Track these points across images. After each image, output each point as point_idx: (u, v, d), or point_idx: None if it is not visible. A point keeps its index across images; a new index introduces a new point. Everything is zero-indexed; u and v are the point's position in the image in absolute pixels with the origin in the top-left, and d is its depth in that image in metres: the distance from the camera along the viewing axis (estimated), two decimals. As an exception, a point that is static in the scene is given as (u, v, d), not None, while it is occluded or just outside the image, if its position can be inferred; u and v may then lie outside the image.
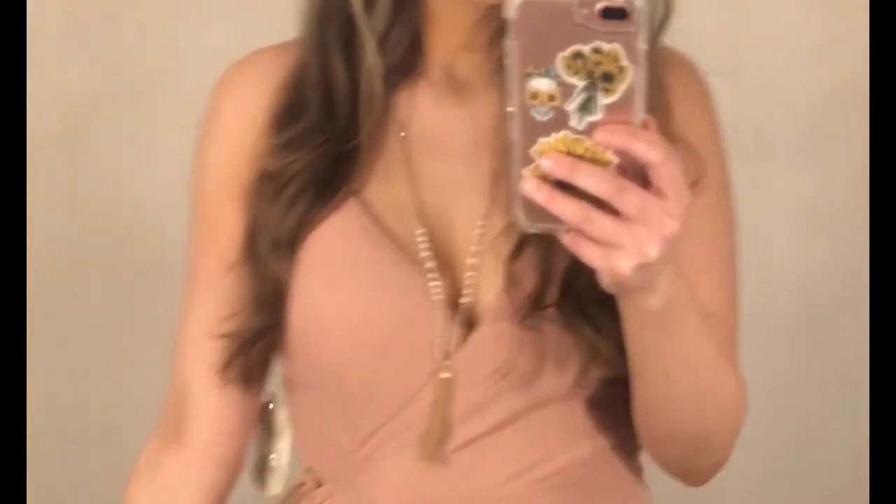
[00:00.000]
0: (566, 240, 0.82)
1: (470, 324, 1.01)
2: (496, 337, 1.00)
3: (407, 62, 1.05)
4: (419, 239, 1.02)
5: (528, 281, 0.99)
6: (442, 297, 1.01)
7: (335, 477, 1.07)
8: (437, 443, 1.01)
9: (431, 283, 1.01)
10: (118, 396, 2.23)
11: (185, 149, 2.23)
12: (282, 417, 1.13)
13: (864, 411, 2.18)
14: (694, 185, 0.97)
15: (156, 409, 1.14)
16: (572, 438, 1.03)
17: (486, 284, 1.01)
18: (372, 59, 1.01)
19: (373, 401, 1.02)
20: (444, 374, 1.00)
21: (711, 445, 1.03)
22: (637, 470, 1.09)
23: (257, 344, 1.06)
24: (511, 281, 1.00)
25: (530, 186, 0.80)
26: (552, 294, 0.99)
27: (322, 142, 1.03)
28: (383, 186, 1.04)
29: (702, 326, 0.94)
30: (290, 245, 1.02)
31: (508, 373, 0.99)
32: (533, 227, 0.83)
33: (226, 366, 1.06)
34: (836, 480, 2.24)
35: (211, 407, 1.09)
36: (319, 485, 1.08)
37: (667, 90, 1.01)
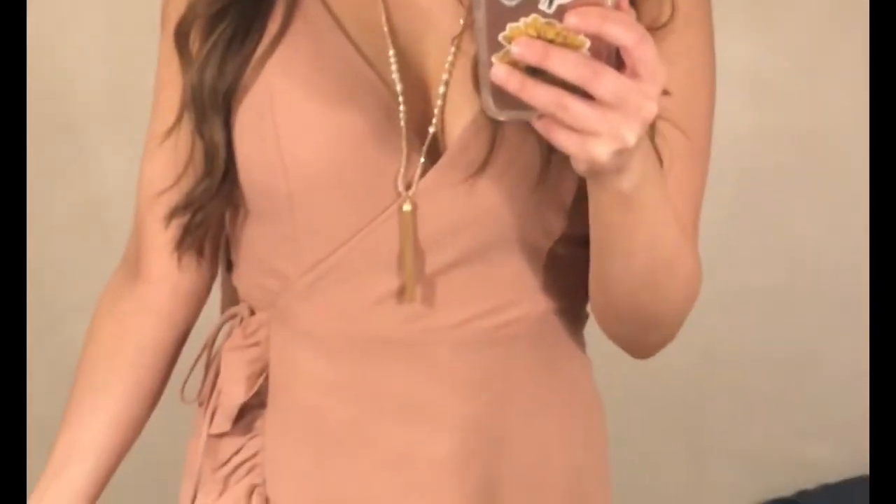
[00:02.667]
0: (539, 126, 0.77)
1: (435, 155, 0.97)
2: (459, 169, 0.95)
3: None
4: (390, 60, 0.98)
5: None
6: (407, 121, 0.96)
7: (273, 305, 1.04)
8: (412, 275, 0.97)
9: (400, 108, 0.96)
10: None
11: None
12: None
13: (802, 286, 2.28)
14: (661, 27, 0.95)
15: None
16: (528, 291, 1.01)
17: (455, 115, 0.97)
18: None
19: (325, 228, 0.99)
20: (406, 207, 0.96)
21: (663, 322, 1.01)
22: (582, 340, 1.09)
23: (209, 207, 1.05)
24: (480, 113, 0.94)
25: (501, 74, 0.75)
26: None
27: None
28: (354, 5, 1.00)
29: (666, 201, 0.91)
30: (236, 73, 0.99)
31: (468, 206, 0.96)
32: (504, 115, 0.78)
33: (179, 243, 1.08)
34: (775, 352, 2.32)
35: (164, 247, 1.09)
36: (253, 313, 1.07)
37: None
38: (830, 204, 2.25)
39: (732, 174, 2.19)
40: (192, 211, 1.05)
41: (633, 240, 0.90)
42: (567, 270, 1.01)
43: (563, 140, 0.77)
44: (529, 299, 1.02)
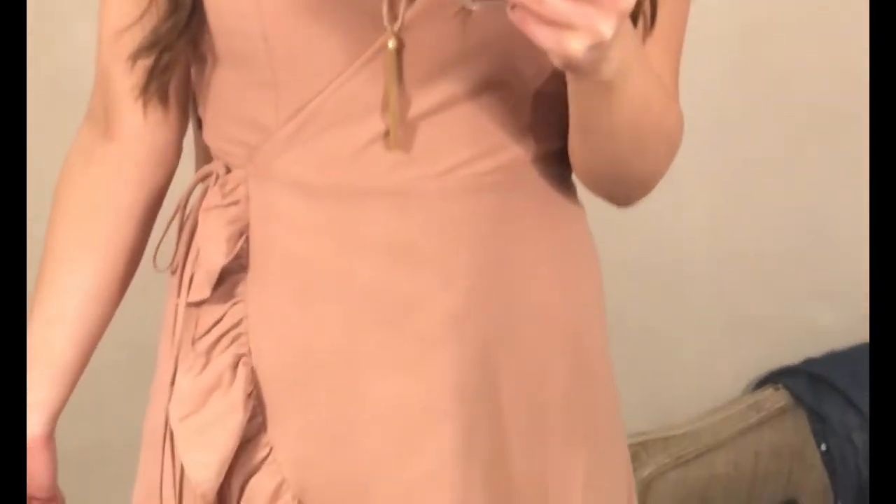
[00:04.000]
0: (514, 17, 0.75)
1: None
2: (447, 2, 0.89)
3: None
4: None
5: None
6: None
7: (251, 159, 0.98)
8: (396, 118, 0.92)
9: None
10: None
11: None
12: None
13: (809, 145, 2.23)
14: None
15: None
16: (518, 134, 0.97)
17: None
18: None
19: (305, 71, 0.93)
20: (391, 44, 0.90)
21: (648, 179, 0.99)
22: (574, 186, 1.05)
23: (175, 48, 0.99)
24: None
25: None
26: None
27: None
28: None
29: (646, 71, 0.90)
30: None
31: (457, 43, 0.91)
32: (477, 5, 0.76)
33: (143, 88, 1.02)
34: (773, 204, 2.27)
35: (129, 94, 1.03)
36: (230, 171, 1.00)
37: None
38: (835, 52, 2.17)
39: (734, 29, 2.13)
40: (158, 51, 0.99)
41: (617, 119, 0.89)
42: (557, 111, 0.96)
43: (538, 34, 0.75)
44: (519, 142, 0.97)
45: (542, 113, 0.98)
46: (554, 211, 1.02)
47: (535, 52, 0.90)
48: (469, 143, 0.95)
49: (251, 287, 0.99)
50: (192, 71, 1.03)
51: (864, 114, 2.09)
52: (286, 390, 0.99)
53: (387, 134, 0.93)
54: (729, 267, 2.27)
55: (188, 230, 1.04)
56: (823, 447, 2.21)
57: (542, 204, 1.01)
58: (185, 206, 1.06)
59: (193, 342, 1.01)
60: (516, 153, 0.98)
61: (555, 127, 0.98)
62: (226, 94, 0.99)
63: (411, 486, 0.97)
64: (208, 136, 1.04)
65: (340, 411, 0.97)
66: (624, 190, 1.01)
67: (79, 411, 1.12)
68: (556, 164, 1.01)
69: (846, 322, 2.28)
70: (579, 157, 0.97)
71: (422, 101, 0.93)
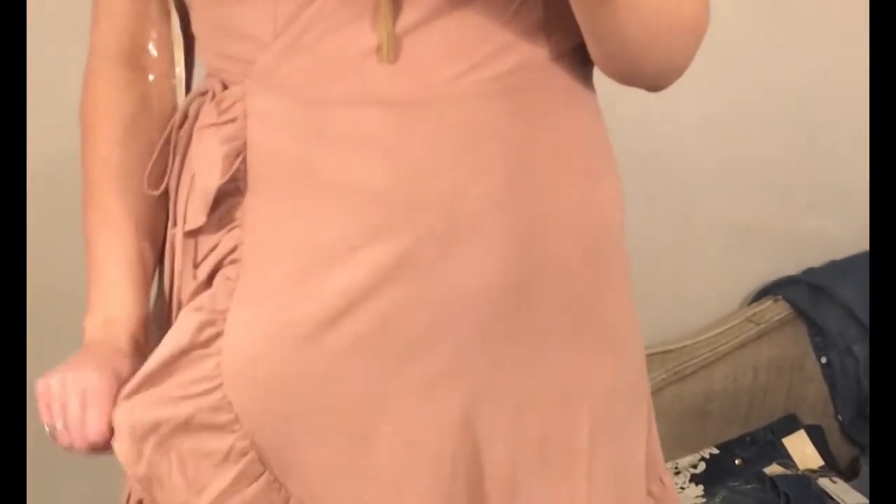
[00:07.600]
0: None
1: None
2: None
3: None
4: None
5: None
6: None
7: (247, 75, 0.94)
8: (386, 17, 0.89)
9: None
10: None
11: None
12: (174, 25, 1.05)
13: (803, 44, 2.16)
14: None
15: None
16: (527, 34, 0.93)
17: None
18: None
19: None
20: None
21: (673, 70, 0.96)
22: (593, 87, 1.01)
23: None
24: None
25: None
26: None
27: None
28: None
29: None
30: None
31: None
32: None
33: None
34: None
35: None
36: (226, 87, 0.97)
37: None
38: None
39: None
40: None
41: (625, 25, 0.88)
42: (568, 6, 0.90)
43: None
44: (532, 41, 0.93)
45: (553, 10, 0.93)
46: (576, 114, 0.98)
47: None
48: (476, 45, 0.91)
49: (249, 210, 0.94)
50: None
51: (863, 20, 2.03)
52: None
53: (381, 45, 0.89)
54: (726, 177, 2.21)
55: (181, 151, 0.99)
56: (823, 360, 2.17)
57: (564, 107, 0.97)
58: (179, 127, 1.00)
59: (195, 265, 0.97)
60: (530, 53, 0.93)
61: (568, 23, 0.92)
62: (221, 10, 0.95)
63: (424, 384, 0.93)
64: (203, 53, 1.00)
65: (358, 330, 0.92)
66: (651, 81, 0.97)
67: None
68: (576, 64, 0.97)
69: (847, 231, 2.23)
70: (597, 58, 0.94)
71: (420, 6, 0.89)
